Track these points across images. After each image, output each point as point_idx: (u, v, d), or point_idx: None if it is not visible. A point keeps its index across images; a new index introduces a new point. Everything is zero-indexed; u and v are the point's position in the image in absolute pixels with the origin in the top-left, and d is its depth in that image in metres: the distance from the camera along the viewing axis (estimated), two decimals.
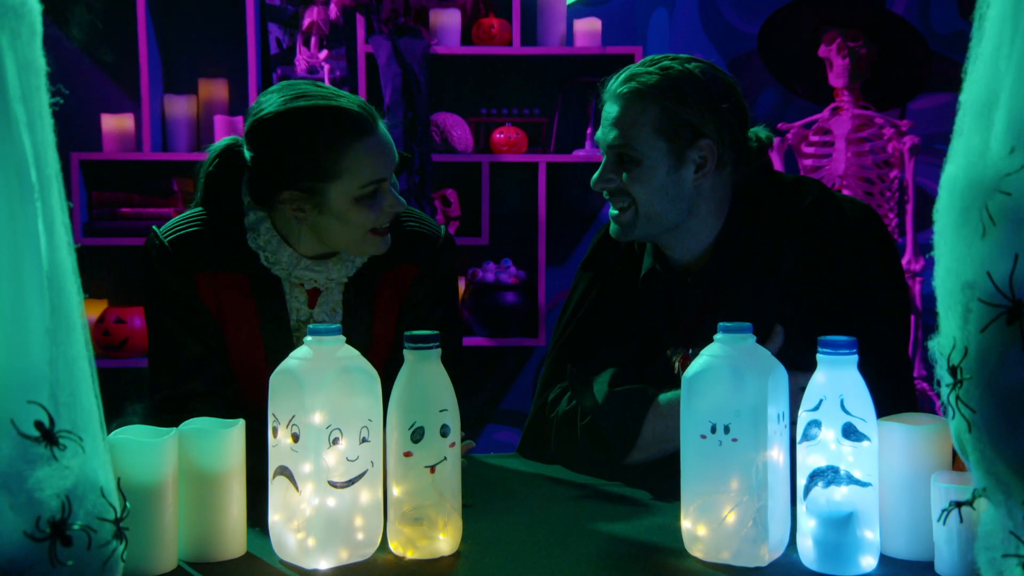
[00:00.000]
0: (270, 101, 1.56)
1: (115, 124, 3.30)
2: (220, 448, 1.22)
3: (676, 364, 1.64)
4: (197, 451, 1.21)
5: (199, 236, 1.62)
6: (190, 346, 1.60)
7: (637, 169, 1.59)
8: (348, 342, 1.26)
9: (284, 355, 1.25)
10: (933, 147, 3.29)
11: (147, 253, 1.63)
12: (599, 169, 1.64)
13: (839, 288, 1.58)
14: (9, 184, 0.91)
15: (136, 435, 1.19)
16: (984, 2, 0.94)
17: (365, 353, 1.27)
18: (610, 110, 1.61)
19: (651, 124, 1.57)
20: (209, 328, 1.61)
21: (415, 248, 1.69)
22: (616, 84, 1.61)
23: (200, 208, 1.66)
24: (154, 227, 1.65)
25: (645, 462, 1.58)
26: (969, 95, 0.95)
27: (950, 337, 0.94)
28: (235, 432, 1.23)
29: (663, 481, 1.45)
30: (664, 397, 1.57)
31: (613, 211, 1.65)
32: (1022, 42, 0.89)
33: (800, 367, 1.31)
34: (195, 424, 1.25)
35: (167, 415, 1.46)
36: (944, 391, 0.95)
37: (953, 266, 0.93)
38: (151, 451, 1.16)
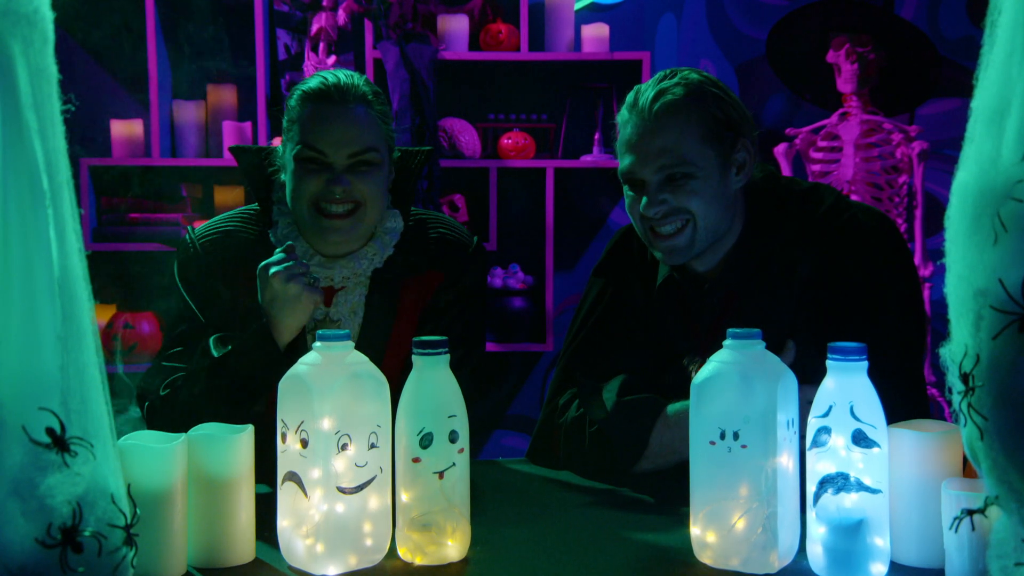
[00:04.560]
0: None
1: (124, 130, 3.31)
2: (229, 454, 1.22)
3: (693, 373, 1.63)
4: (206, 457, 1.21)
5: (229, 235, 1.68)
6: (195, 349, 1.62)
7: (692, 183, 1.55)
8: (365, 345, 1.26)
9: (298, 355, 1.26)
10: (942, 152, 3.28)
11: (177, 253, 1.71)
12: (646, 197, 1.56)
13: (853, 295, 1.57)
14: (21, 191, 0.92)
15: (145, 441, 1.19)
16: (995, 8, 0.93)
17: (381, 357, 1.27)
18: (645, 132, 1.55)
19: (697, 133, 1.55)
20: (227, 328, 1.63)
21: (443, 255, 1.69)
22: (646, 104, 1.56)
23: (254, 204, 1.73)
24: (189, 227, 1.73)
25: (653, 471, 1.58)
26: (981, 102, 0.95)
27: (962, 344, 0.94)
28: (244, 438, 1.24)
29: (672, 487, 1.45)
30: (672, 408, 1.56)
31: (665, 231, 1.57)
32: None
33: (815, 373, 1.30)
34: (204, 430, 1.25)
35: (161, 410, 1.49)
36: (956, 398, 0.95)
37: (965, 273, 0.93)
38: (160, 457, 1.16)
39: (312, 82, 1.63)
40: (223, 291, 1.65)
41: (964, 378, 0.92)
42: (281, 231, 1.66)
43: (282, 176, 1.65)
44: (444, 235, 1.70)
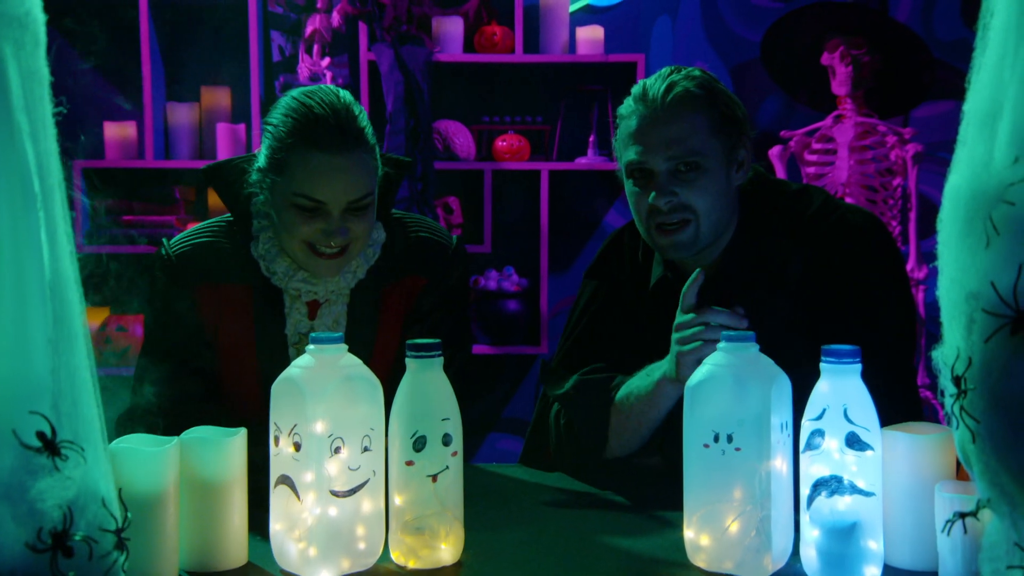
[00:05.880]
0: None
1: (117, 132, 3.30)
2: (221, 457, 1.22)
3: None
4: (198, 460, 1.21)
5: (207, 247, 1.64)
6: (173, 363, 1.61)
7: (702, 177, 1.55)
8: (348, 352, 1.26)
9: (279, 368, 1.25)
10: (936, 155, 3.29)
11: (152, 265, 1.66)
12: (654, 189, 1.55)
13: (844, 296, 1.58)
14: (12, 194, 0.92)
15: (137, 444, 1.19)
16: (988, 11, 0.94)
17: (366, 364, 1.27)
18: (656, 122, 1.55)
19: (707, 126, 1.56)
20: (199, 346, 1.62)
21: (424, 258, 1.68)
22: (657, 94, 1.56)
23: (228, 214, 1.68)
24: (163, 239, 1.67)
25: (630, 456, 1.59)
26: (973, 105, 0.95)
27: (954, 347, 0.94)
28: (237, 441, 1.23)
29: (666, 490, 1.45)
30: (620, 394, 1.59)
31: (671, 221, 1.56)
32: None
33: (808, 374, 1.30)
34: (197, 433, 1.25)
35: (131, 426, 1.47)
36: (948, 401, 0.95)
37: (957, 276, 0.93)
38: (152, 460, 1.16)
39: (303, 112, 1.53)
40: (200, 306, 1.63)
41: (956, 381, 0.93)
42: (262, 246, 1.62)
43: (262, 195, 1.60)
44: (424, 238, 1.69)
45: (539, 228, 3.37)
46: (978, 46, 0.94)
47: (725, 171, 1.58)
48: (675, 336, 1.51)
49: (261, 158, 1.59)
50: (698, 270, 1.53)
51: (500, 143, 3.37)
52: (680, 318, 1.52)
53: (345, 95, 1.58)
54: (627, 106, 1.60)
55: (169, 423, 1.35)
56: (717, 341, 1.41)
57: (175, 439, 1.20)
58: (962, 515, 1.07)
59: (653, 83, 1.58)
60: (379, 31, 3.26)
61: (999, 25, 0.91)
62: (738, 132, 1.60)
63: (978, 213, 0.90)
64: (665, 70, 1.61)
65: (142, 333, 3.16)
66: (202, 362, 1.64)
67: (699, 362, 1.45)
